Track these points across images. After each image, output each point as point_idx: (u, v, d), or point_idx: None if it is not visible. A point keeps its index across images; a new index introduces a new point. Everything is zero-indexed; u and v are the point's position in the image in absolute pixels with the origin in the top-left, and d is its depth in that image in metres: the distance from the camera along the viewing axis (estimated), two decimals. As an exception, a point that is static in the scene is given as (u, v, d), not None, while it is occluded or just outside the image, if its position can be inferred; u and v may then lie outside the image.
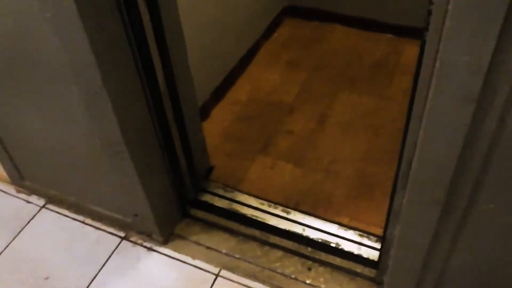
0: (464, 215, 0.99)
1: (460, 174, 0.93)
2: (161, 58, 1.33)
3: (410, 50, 2.41)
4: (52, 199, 1.84)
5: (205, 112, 2.07)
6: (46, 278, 1.61)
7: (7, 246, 1.71)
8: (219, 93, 2.18)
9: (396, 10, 2.43)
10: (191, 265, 1.61)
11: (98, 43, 1.10)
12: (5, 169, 1.84)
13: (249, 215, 1.71)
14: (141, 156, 1.40)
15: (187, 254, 1.64)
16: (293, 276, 1.57)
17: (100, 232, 1.74)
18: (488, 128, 0.80)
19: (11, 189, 1.91)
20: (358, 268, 1.55)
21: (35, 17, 1.10)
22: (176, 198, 1.67)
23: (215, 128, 2.05)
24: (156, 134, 1.43)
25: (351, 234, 1.62)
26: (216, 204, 1.76)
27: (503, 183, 0.89)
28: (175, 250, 1.66)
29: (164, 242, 1.67)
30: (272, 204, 1.74)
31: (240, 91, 2.24)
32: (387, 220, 1.37)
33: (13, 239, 1.74)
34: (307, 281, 1.55)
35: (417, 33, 2.45)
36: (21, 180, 1.84)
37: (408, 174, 1.10)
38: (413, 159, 1.06)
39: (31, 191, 1.88)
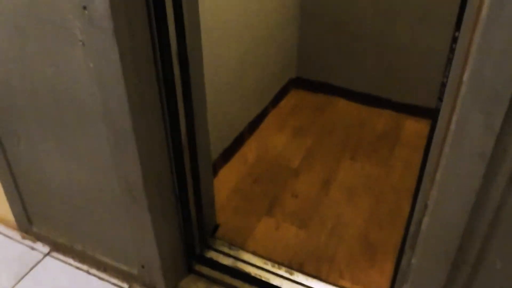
0: (472, 272, 1.04)
1: (470, 232, 0.99)
2: (186, 113, 1.42)
3: (410, 125, 2.53)
4: (57, 247, 1.85)
5: (213, 171, 2.14)
6: (46, 326, 1.60)
7: (8, 291, 1.70)
8: (227, 154, 2.26)
9: (398, 88, 2.58)
10: (194, 320, 1.61)
11: (133, 92, 1.19)
12: (14, 213, 1.86)
13: (253, 274, 1.73)
14: (158, 205, 1.44)
15: (190, 309, 1.64)
16: (296, 337, 1.56)
17: (103, 282, 1.73)
18: (498, 186, 0.88)
19: (17, 235, 1.92)
20: (361, 332, 1.56)
21: (78, 64, 1.19)
22: (183, 252, 1.70)
23: (222, 187, 2.11)
24: (173, 185, 1.49)
25: (353, 298, 1.64)
26: (221, 262, 1.78)
27: (510, 242, 0.95)
28: (178, 305, 1.66)
29: (168, 296, 1.68)
30: (276, 265, 1.77)
31: (248, 153, 2.32)
32: (393, 281, 1.40)
33: (14, 286, 1.73)
34: None
35: (416, 111, 2.60)
36: (29, 226, 1.86)
37: (417, 233, 1.16)
38: (423, 218, 1.12)
39: (36, 238, 1.89)
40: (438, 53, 2.31)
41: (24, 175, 1.66)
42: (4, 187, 1.76)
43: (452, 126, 0.91)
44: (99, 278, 1.75)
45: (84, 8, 1.08)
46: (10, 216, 1.88)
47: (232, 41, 2.10)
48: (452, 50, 0.96)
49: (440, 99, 1.03)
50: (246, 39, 2.23)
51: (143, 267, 1.64)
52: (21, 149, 1.55)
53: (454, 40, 0.94)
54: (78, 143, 1.39)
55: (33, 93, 1.35)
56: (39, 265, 1.80)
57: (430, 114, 1.15)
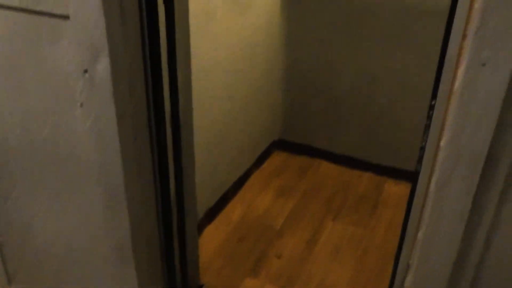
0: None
1: (453, 290, 1.03)
2: (175, 174, 1.46)
3: (390, 187, 2.61)
4: (36, 308, 1.81)
5: (198, 230, 2.15)
6: None
7: None
8: (211, 214, 2.28)
9: (378, 151, 2.67)
10: None
11: (127, 153, 1.23)
12: (-7, 272, 1.83)
13: (236, 336, 1.72)
14: (145, 265, 1.45)
15: None
16: None
17: None
18: (478, 245, 0.93)
19: (-6, 295, 1.88)
20: None
21: (75, 124, 1.24)
22: (167, 312, 1.68)
23: (207, 247, 2.12)
24: (160, 245, 1.50)
25: None
26: (204, 323, 1.76)
27: (491, 300, 0.99)
28: None
29: None
30: (260, 326, 1.76)
31: (232, 213, 2.35)
32: None
33: None
34: None
35: (396, 173, 2.67)
36: (7, 285, 1.82)
37: (401, 293, 1.19)
38: (406, 277, 1.16)
39: (14, 298, 1.85)
40: (417, 118, 2.43)
41: (9, 232, 1.65)
42: (-14, 244, 1.74)
43: (432, 188, 0.97)
44: None
45: (85, 71, 1.14)
46: (-11, 275, 1.84)
47: (219, 104, 2.18)
48: (429, 117, 1.04)
49: (420, 162, 1.10)
50: (233, 103, 2.31)
51: (125, 329, 1.61)
52: (8, 206, 1.56)
53: (431, 107, 1.02)
54: (70, 201, 1.41)
55: (28, 150, 1.38)
56: (16, 327, 1.75)
57: (410, 176, 1.22)
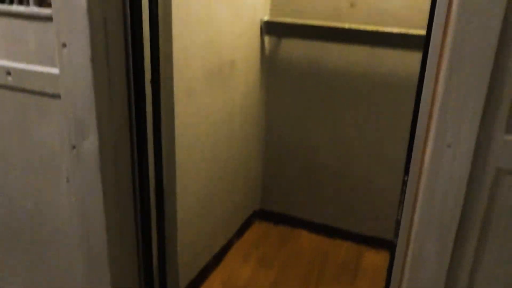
0: None
1: None
2: (158, 246, 1.47)
3: (370, 256, 2.62)
4: None
5: (178, 304, 2.11)
6: None
7: None
8: (192, 286, 2.25)
9: (357, 221, 2.71)
10: None
11: (112, 225, 1.25)
12: None
13: None
14: None
15: None
16: None
17: None
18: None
19: None
20: None
21: (60, 198, 1.26)
22: None
23: (187, 321, 2.08)
24: (140, 317, 1.48)
25: None
26: None
27: None
28: None
29: None
30: None
31: (213, 286, 2.32)
32: None
33: None
34: None
35: (375, 242, 2.69)
36: None
37: None
38: None
39: None
40: (394, 187, 2.50)
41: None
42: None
43: (409, 258, 1.01)
44: None
45: (73, 147, 1.18)
46: None
47: (200, 176, 2.22)
48: (403, 192, 1.09)
49: (396, 234, 1.14)
50: (213, 174, 2.36)
51: None
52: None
53: (404, 183, 1.08)
54: (50, 274, 1.39)
55: (10, 221, 1.39)
56: None
57: (389, 245, 1.25)
